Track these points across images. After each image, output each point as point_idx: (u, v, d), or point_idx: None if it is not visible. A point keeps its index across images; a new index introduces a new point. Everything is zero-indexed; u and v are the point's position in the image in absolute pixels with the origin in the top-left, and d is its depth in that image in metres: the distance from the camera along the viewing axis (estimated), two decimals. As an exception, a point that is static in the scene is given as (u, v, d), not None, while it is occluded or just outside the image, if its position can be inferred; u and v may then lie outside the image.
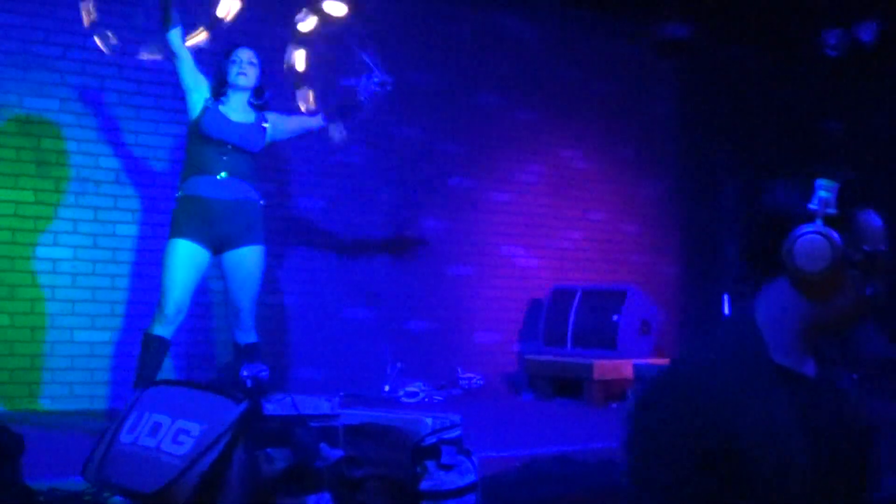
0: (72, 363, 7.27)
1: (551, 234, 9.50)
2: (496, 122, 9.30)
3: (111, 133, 7.55)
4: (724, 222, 9.90)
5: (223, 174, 5.94)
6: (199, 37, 6.40)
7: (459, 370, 8.59)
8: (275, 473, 3.81)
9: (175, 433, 3.87)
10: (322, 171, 8.41)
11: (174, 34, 5.97)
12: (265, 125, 6.19)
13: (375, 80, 6.36)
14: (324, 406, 4.17)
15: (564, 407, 8.06)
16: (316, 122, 6.46)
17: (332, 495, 3.89)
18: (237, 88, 6.12)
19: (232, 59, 6.15)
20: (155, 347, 5.86)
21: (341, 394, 7.71)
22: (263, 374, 4.20)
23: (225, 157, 5.96)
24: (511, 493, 4.93)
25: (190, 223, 5.88)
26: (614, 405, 7.82)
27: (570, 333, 8.45)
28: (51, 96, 7.36)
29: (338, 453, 4.00)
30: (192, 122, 6.06)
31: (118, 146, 7.56)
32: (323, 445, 3.98)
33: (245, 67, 6.13)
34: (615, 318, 8.25)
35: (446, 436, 4.25)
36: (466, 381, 8.52)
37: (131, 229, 7.57)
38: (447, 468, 4.19)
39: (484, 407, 7.91)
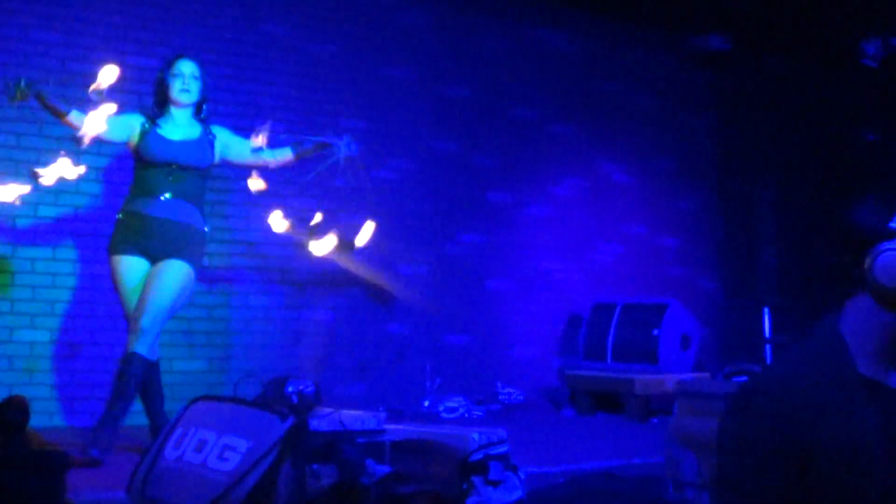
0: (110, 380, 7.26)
1: (590, 248, 9.46)
2: (534, 136, 9.27)
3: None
4: (763, 236, 9.83)
5: (168, 195, 5.63)
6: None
7: (499, 385, 8.54)
8: (321, 490, 3.78)
9: (221, 449, 3.85)
10: (361, 186, 8.39)
11: (74, 118, 5.57)
12: (211, 138, 5.86)
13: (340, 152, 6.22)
14: (370, 422, 4.13)
15: (606, 422, 8.01)
16: (254, 150, 6.00)
17: (378, 511, 3.86)
18: (180, 105, 5.81)
19: (175, 73, 5.81)
20: (134, 367, 5.47)
21: (383, 409, 7.74)
22: (309, 389, 4.16)
23: (170, 178, 5.64)
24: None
25: (125, 238, 5.64)
26: (655, 420, 7.76)
27: (610, 348, 8.39)
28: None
29: (384, 469, 3.96)
30: (133, 148, 5.74)
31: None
32: (369, 461, 3.94)
33: (188, 83, 5.80)
34: (655, 332, 8.18)
35: (493, 451, 4.22)
36: (506, 396, 8.47)
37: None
38: (495, 484, 4.15)
39: (524, 422, 7.87)
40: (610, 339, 8.43)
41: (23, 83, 5.38)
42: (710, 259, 10.13)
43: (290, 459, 3.77)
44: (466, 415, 8.07)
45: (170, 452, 4.01)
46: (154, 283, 5.56)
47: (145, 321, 5.49)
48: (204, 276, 7.63)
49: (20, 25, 7.24)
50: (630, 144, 9.81)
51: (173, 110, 5.82)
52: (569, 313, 9.14)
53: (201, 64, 5.94)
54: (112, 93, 7.33)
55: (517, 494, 4.23)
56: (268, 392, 4.20)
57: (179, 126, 5.80)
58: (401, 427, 4.30)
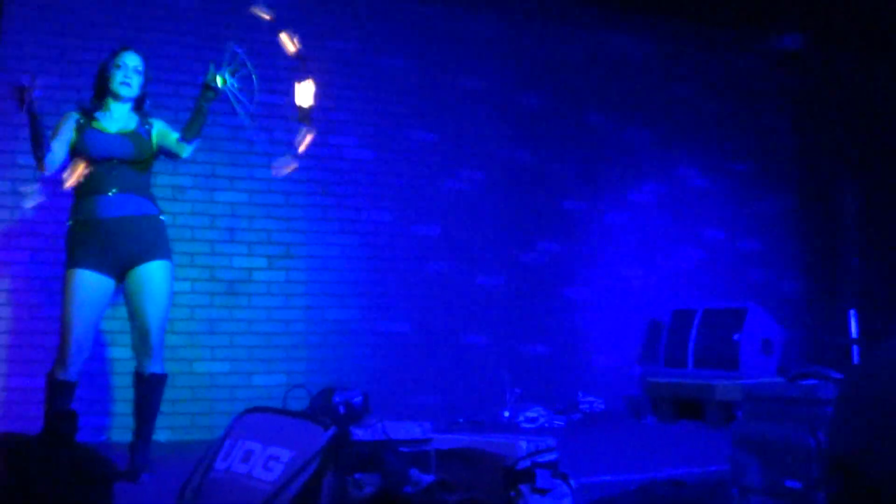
0: (192, 394, 7.38)
1: (669, 254, 9.38)
2: (609, 142, 9.23)
3: (225, 168, 7.67)
4: (846, 236, 9.65)
5: (113, 190, 5.31)
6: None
7: (580, 394, 8.50)
8: (363, 499, 3.79)
9: (266, 459, 3.87)
10: (436, 198, 8.42)
11: (50, 161, 5.30)
12: (147, 127, 5.55)
13: (213, 83, 5.53)
14: (415, 431, 4.14)
15: (686, 429, 7.90)
16: (178, 151, 5.64)
17: (423, 520, 3.86)
18: (119, 98, 5.50)
19: (117, 64, 5.51)
20: (59, 391, 5.24)
21: (460, 420, 7.74)
22: (357, 399, 4.18)
23: (114, 172, 5.35)
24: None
25: (86, 249, 5.29)
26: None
27: (690, 354, 8.28)
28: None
29: (429, 478, 3.96)
30: (70, 146, 5.37)
31: (233, 180, 7.68)
32: (413, 470, 3.94)
33: (130, 76, 5.50)
34: (736, 337, 8.06)
35: (541, 459, 4.19)
36: (587, 405, 8.42)
37: (247, 261, 7.67)
38: (542, 492, 4.12)
39: (604, 431, 7.81)
40: (690, 345, 8.33)
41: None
42: (792, 262, 9.95)
43: (332, 468, 3.79)
44: (546, 425, 8.03)
45: (219, 464, 4.04)
46: (145, 297, 5.36)
47: (154, 340, 5.39)
48: (281, 290, 7.75)
49: (95, 49, 7.33)
50: (708, 148, 9.71)
51: (111, 103, 5.51)
52: (649, 320, 9.06)
53: (146, 58, 5.66)
54: (186, 113, 7.53)
55: (566, 502, 4.20)
56: (316, 403, 4.23)
57: (115, 119, 5.49)
58: (448, 436, 4.30)
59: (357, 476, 3.84)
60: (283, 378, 7.65)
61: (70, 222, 5.40)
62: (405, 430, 4.10)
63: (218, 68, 5.48)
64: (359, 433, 3.99)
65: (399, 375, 8.08)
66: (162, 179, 7.44)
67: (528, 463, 4.12)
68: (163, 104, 7.45)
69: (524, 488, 4.09)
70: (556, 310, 8.81)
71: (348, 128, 8.16)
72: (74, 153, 5.36)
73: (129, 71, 5.51)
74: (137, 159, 5.42)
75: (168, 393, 7.17)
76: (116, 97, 5.50)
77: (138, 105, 5.60)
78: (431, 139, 8.43)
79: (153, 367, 5.41)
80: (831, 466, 2.21)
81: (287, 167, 5.98)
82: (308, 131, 5.70)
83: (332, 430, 3.84)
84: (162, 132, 5.61)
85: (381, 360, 8.06)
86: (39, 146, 5.19)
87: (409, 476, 3.90)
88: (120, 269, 5.36)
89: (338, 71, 8.19)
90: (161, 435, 7.15)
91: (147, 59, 5.65)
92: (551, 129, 8.99)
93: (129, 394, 7.16)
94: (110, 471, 3.74)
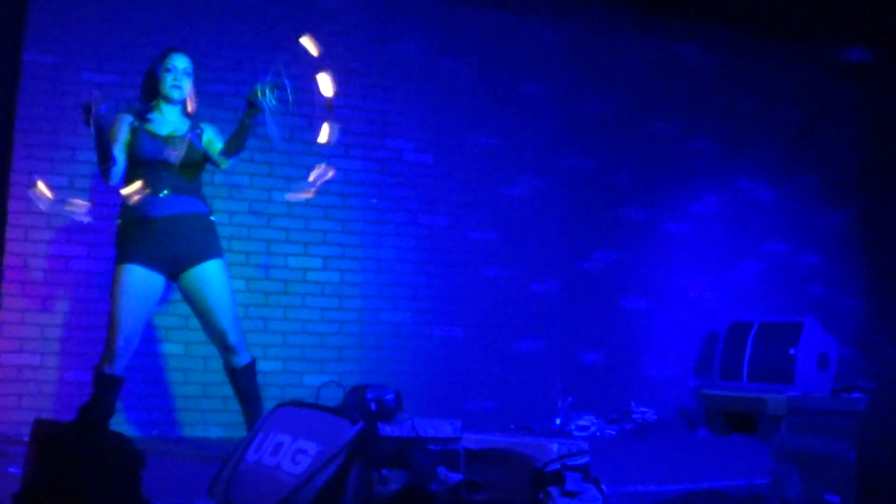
0: (243, 392, 7.43)
1: (728, 266, 9.30)
2: (671, 152, 9.17)
3: (282, 167, 7.72)
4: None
5: (165, 192, 5.44)
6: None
7: (633, 404, 8.45)
8: (389, 494, 3.80)
9: (294, 452, 3.90)
10: (494, 203, 8.42)
11: (115, 172, 5.49)
12: (199, 132, 5.68)
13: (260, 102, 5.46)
14: (445, 429, 4.13)
15: (738, 442, 7.84)
16: (219, 162, 5.75)
17: (448, 519, 3.86)
18: (170, 101, 5.64)
19: (167, 67, 5.63)
20: (106, 386, 5.39)
21: (512, 426, 7.73)
22: (389, 396, 4.18)
23: (165, 174, 5.47)
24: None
25: (138, 246, 5.41)
26: (789, 441, 7.55)
27: (745, 367, 8.21)
28: (224, 132, 7.57)
29: (457, 477, 3.95)
30: (126, 145, 5.50)
31: (289, 180, 7.71)
32: (441, 469, 3.94)
33: (180, 78, 5.63)
34: (792, 351, 7.97)
35: (572, 462, 4.17)
36: (640, 416, 8.37)
37: (302, 262, 7.72)
38: (571, 495, 4.10)
39: (655, 441, 7.78)
40: (746, 358, 8.26)
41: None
42: (856, 277, 9.81)
43: (359, 463, 3.80)
44: (598, 433, 8.00)
45: (251, 455, 4.08)
46: (208, 298, 5.55)
47: (232, 337, 5.62)
48: (335, 291, 7.79)
49: (154, 44, 7.45)
50: (770, 160, 9.61)
51: (162, 105, 5.65)
52: (706, 332, 8.98)
53: (195, 59, 5.78)
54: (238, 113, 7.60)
55: (597, 506, 4.18)
56: (349, 399, 4.23)
57: (167, 122, 5.62)
58: (478, 436, 4.29)
59: (384, 472, 3.85)
60: (335, 379, 7.67)
61: (120, 220, 5.54)
62: (434, 428, 4.09)
63: (262, 85, 5.48)
64: (387, 429, 3.99)
65: (452, 379, 8.08)
66: (219, 177, 7.53)
67: (557, 465, 4.10)
68: (227, 105, 7.55)
69: (553, 490, 4.07)
70: (611, 318, 8.76)
71: (407, 132, 8.18)
72: (128, 154, 5.51)
73: (179, 73, 5.63)
74: (187, 164, 5.54)
75: (219, 390, 7.32)
76: (167, 100, 5.63)
77: (187, 107, 5.73)
78: (491, 144, 8.43)
79: (240, 361, 5.68)
80: (859, 479, 2.19)
81: (304, 192, 6.27)
82: (329, 123, 5.75)
83: (359, 425, 3.86)
84: (210, 140, 5.72)
85: (435, 363, 8.07)
86: (106, 159, 5.36)
87: (437, 474, 3.89)
88: (171, 268, 5.51)
89: (398, 74, 8.22)
90: (211, 431, 7.25)
91: (195, 60, 5.76)
92: (612, 137, 8.95)
93: (181, 390, 7.34)
94: (139, 459, 3.77)
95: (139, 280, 5.39)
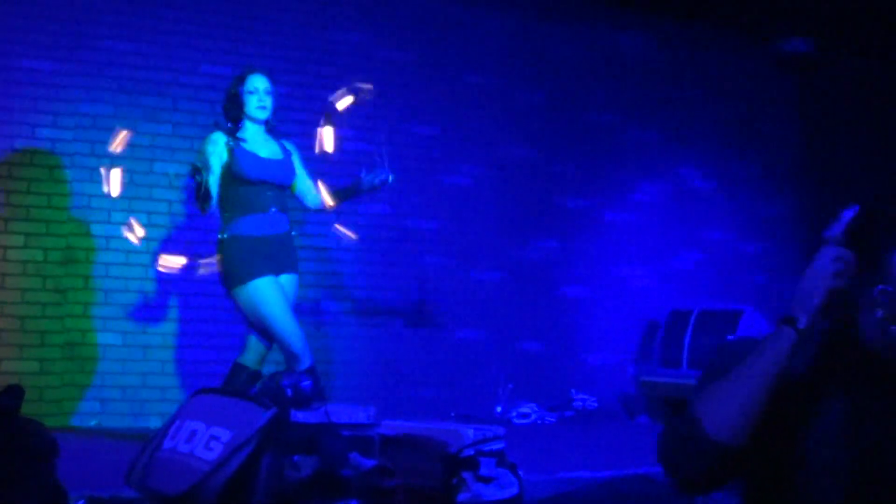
0: (182, 382, 7.42)
1: (669, 255, 9.34)
2: (612, 141, 9.20)
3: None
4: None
5: (272, 210, 5.76)
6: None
7: (573, 391, 8.49)
8: (300, 480, 3.82)
9: (207, 439, 3.91)
10: (434, 192, 8.43)
11: (212, 204, 5.69)
12: (289, 154, 5.98)
13: (381, 176, 6.02)
14: (358, 415, 4.15)
15: (677, 429, 7.87)
16: (316, 200, 6.12)
17: (360, 504, 3.88)
18: (255, 122, 5.87)
19: (249, 90, 5.84)
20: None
21: (452, 413, 7.75)
22: (305, 384, 4.20)
23: (270, 194, 5.75)
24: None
25: (261, 260, 5.68)
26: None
27: (685, 354, 8.23)
28: (164, 121, 7.58)
29: (370, 462, 3.97)
30: (223, 166, 5.69)
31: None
32: (354, 454, 3.96)
33: (264, 99, 5.85)
34: (730, 338, 8.01)
35: (486, 448, 4.20)
36: (580, 403, 8.41)
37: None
38: (486, 480, 4.13)
39: (595, 428, 7.82)
40: (686, 345, 8.28)
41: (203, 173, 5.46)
42: (794, 265, 9.86)
43: (271, 449, 3.81)
44: (539, 421, 8.04)
45: (167, 443, 4.09)
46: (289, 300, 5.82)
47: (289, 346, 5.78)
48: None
49: (95, 35, 7.47)
50: (712, 149, 9.65)
51: (248, 125, 5.85)
52: (646, 320, 9.01)
53: (271, 75, 5.96)
54: (186, 101, 7.60)
55: (512, 491, 4.21)
56: (265, 386, 4.26)
57: (259, 142, 5.86)
58: (394, 422, 4.31)
59: (296, 458, 3.87)
60: (274, 368, 7.65)
61: (226, 236, 5.77)
62: (348, 414, 4.12)
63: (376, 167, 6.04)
64: (299, 416, 4.01)
65: (393, 368, 8.09)
66: (157, 167, 7.53)
67: (472, 451, 4.13)
68: (165, 93, 7.55)
69: (467, 476, 4.10)
70: (552, 307, 8.80)
71: (348, 120, 8.15)
72: (226, 174, 5.70)
73: (262, 94, 5.84)
74: (286, 184, 5.89)
75: (158, 380, 7.33)
76: (254, 120, 5.86)
77: (269, 126, 5.96)
78: (432, 133, 8.45)
79: (310, 361, 5.74)
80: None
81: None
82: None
83: (271, 412, 3.88)
84: (298, 164, 6.03)
85: (376, 353, 8.08)
86: (207, 199, 5.53)
87: (349, 460, 3.91)
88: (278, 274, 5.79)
89: (340, 63, 8.21)
90: (151, 421, 7.25)
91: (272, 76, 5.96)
92: (554, 126, 8.97)
93: (120, 380, 7.32)
94: (53, 446, 3.77)
95: (279, 286, 5.71)
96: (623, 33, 9.36)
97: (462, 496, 4.08)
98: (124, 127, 7.18)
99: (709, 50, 9.68)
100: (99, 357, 7.30)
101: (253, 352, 5.91)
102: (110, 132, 7.27)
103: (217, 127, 5.83)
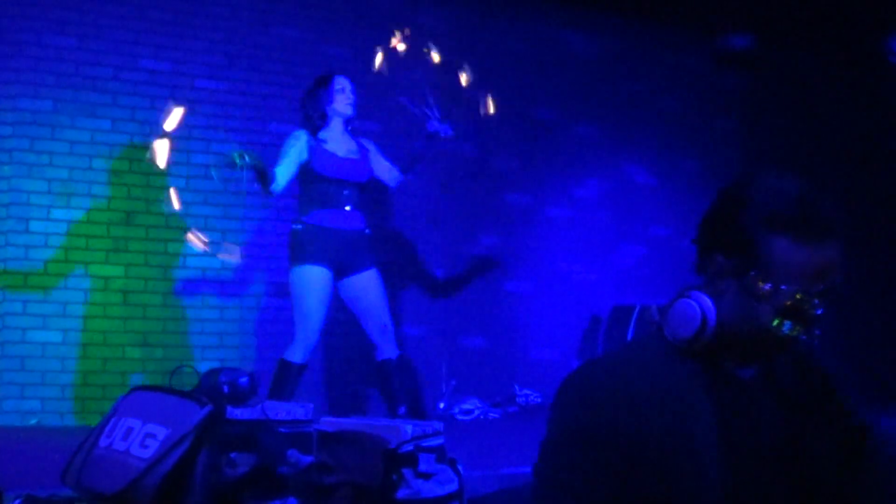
0: (123, 380, 7.35)
1: (612, 250, 9.37)
2: (554, 137, 9.21)
3: (163, 153, 7.65)
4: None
5: (348, 207, 6.19)
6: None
7: (517, 387, 8.49)
8: (237, 477, 3.80)
9: (143, 437, 3.89)
10: (375, 188, 8.40)
11: (275, 187, 6.10)
12: (366, 152, 6.40)
13: (435, 130, 6.51)
14: (297, 412, 4.14)
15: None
16: (393, 176, 6.58)
17: (298, 501, 3.86)
18: (340, 117, 6.29)
19: (337, 89, 6.28)
20: (294, 374, 6.15)
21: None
22: (242, 380, 4.18)
23: (346, 192, 6.17)
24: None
25: (316, 249, 6.07)
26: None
27: (628, 350, 8.26)
28: (103, 117, 7.51)
29: (308, 459, 3.96)
30: (303, 164, 6.16)
31: (170, 165, 7.63)
32: (292, 451, 3.95)
33: (350, 96, 6.30)
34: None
35: (425, 444, 4.19)
36: (524, 398, 8.42)
37: (182, 247, 7.65)
38: (426, 476, 4.12)
39: (538, 424, 7.78)
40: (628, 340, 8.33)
41: (247, 158, 5.76)
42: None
43: (207, 447, 3.79)
44: (482, 417, 8.04)
45: (103, 441, 4.06)
46: (371, 301, 6.29)
47: (391, 330, 6.37)
48: (216, 277, 7.74)
49: (35, 30, 7.39)
50: (653, 146, 9.68)
51: (332, 123, 6.28)
52: (589, 315, 9.05)
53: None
54: (126, 96, 7.53)
55: (451, 487, 4.19)
56: (202, 383, 4.23)
57: (339, 141, 6.27)
58: (332, 419, 4.29)
59: (232, 455, 3.84)
60: (217, 365, 7.62)
61: (299, 225, 6.16)
62: (286, 411, 4.10)
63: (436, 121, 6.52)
64: (236, 412, 3.99)
65: (335, 365, 8.06)
66: (98, 163, 7.46)
67: (410, 447, 4.11)
68: (105, 88, 7.49)
69: (407, 472, 4.08)
70: (495, 303, 8.78)
71: (290, 116, 8.13)
72: (305, 170, 6.16)
73: (348, 91, 6.34)
74: (363, 182, 6.31)
75: (98, 378, 7.27)
76: (341, 116, 6.31)
77: (349, 123, 6.40)
78: (372, 130, 8.40)
79: (379, 355, 6.36)
80: None
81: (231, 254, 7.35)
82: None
83: (207, 408, 3.86)
84: (375, 158, 6.49)
85: (318, 349, 8.03)
86: (267, 182, 6.00)
87: (287, 456, 3.90)
88: (337, 271, 6.19)
89: (280, 58, 8.17)
90: (91, 419, 7.15)
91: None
92: (496, 121, 8.94)
93: (60, 378, 7.26)
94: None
95: (320, 278, 6.07)
96: (565, 29, 9.36)
97: (401, 492, 4.06)
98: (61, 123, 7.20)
99: (651, 46, 9.71)
100: (38, 355, 7.22)
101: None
102: (50, 128, 7.30)
103: (303, 123, 6.32)
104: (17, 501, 3.97)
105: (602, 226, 9.35)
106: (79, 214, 7.37)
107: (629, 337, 8.33)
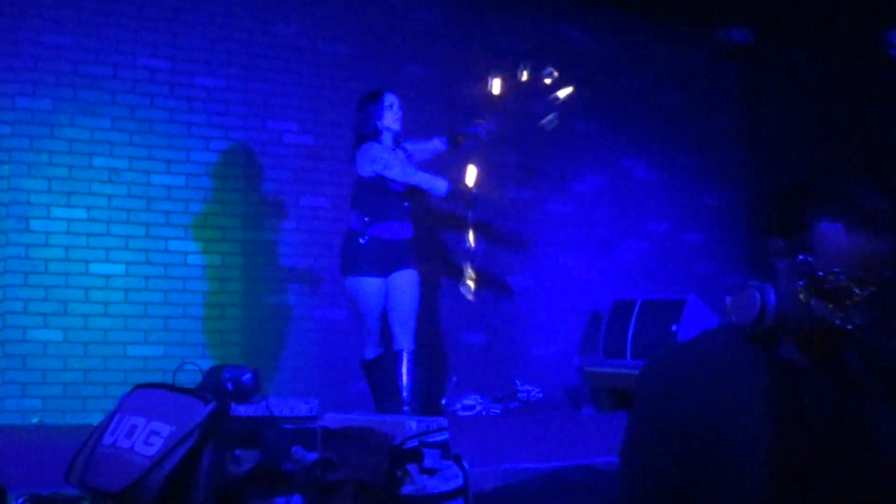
0: (125, 378, 7.33)
1: (612, 245, 9.37)
2: (555, 132, 9.17)
3: (162, 150, 7.65)
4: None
5: (406, 218, 6.76)
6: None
7: (518, 383, 8.47)
8: (241, 475, 3.78)
9: (148, 434, 3.87)
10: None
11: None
12: (412, 157, 6.93)
13: (490, 129, 7.30)
14: (300, 408, 4.12)
15: (621, 420, 7.88)
16: (437, 145, 7.22)
17: (303, 498, 3.84)
18: (390, 132, 6.75)
19: (387, 105, 6.73)
20: (376, 368, 6.85)
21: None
22: (246, 376, 4.15)
23: (406, 204, 6.73)
24: (529, 502, 4.86)
25: (373, 260, 6.63)
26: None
27: (629, 345, 8.25)
28: (102, 115, 7.50)
29: (312, 456, 3.94)
30: (375, 177, 6.61)
31: (169, 163, 7.65)
32: (296, 448, 3.92)
33: (398, 112, 6.76)
34: (674, 328, 8.03)
35: (430, 439, 4.18)
36: (525, 394, 8.41)
37: (182, 245, 7.65)
38: (430, 472, 4.11)
39: (540, 420, 7.82)
40: (629, 336, 8.29)
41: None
42: (736, 256, 9.93)
43: (212, 444, 3.77)
44: (484, 413, 8.04)
45: (107, 438, 4.03)
46: (405, 295, 6.80)
47: (411, 326, 6.87)
48: (217, 275, 7.72)
49: (32, 29, 7.38)
50: (653, 141, 9.68)
51: (382, 137, 6.76)
52: (590, 311, 9.03)
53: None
54: (125, 95, 7.52)
55: (457, 483, 4.18)
56: (206, 380, 4.20)
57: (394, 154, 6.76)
58: (337, 415, 4.28)
59: (237, 452, 3.83)
60: (218, 362, 7.62)
61: (363, 239, 6.66)
62: (290, 408, 4.08)
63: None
64: (240, 409, 3.97)
65: (336, 362, 8.04)
66: (98, 161, 7.45)
67: (415, 443, 4.11)
68: (104, 86, 7.48)
69: (411, 468, 4.07)
70: (496, 298, 8.77)
71: (289, 113, 8.13)
72: (379, 183, 6.67)
73: (397, 108, 6.81)
74: (415, 192, 6.84)
75: (99, 376, 7.25)
76: (391, 131, 6.80)
77: (398, 139, 6.90)
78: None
79: (413, 344, 6.89)
80: None
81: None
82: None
83: (211, 405, 3.83)
84: (417, 153, 7.09)
85: (319, 346, 8.05)
86: (433, 188, 6.89)
87: (291, 453, 3.88)
88: (386, 272, 6.74)
89: (280, 56, 8.16)
90: (93, 418, 7.14)
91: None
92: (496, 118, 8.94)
93: (61, 376, 7.24)
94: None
95: (376, 289, 6.70)
96: (565, 24, 9.34)
97: (406, 488, 4.05)
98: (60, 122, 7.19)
99: (651, 40, 9.70)
100: (40, 354, 7.21)
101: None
102: (49, 127, 7.29)
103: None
104: (21, 500, 3.96)
105: (602, 220, 9.35)
106: (79, 213, 7.37)
107: (629, 332, 8.33)
